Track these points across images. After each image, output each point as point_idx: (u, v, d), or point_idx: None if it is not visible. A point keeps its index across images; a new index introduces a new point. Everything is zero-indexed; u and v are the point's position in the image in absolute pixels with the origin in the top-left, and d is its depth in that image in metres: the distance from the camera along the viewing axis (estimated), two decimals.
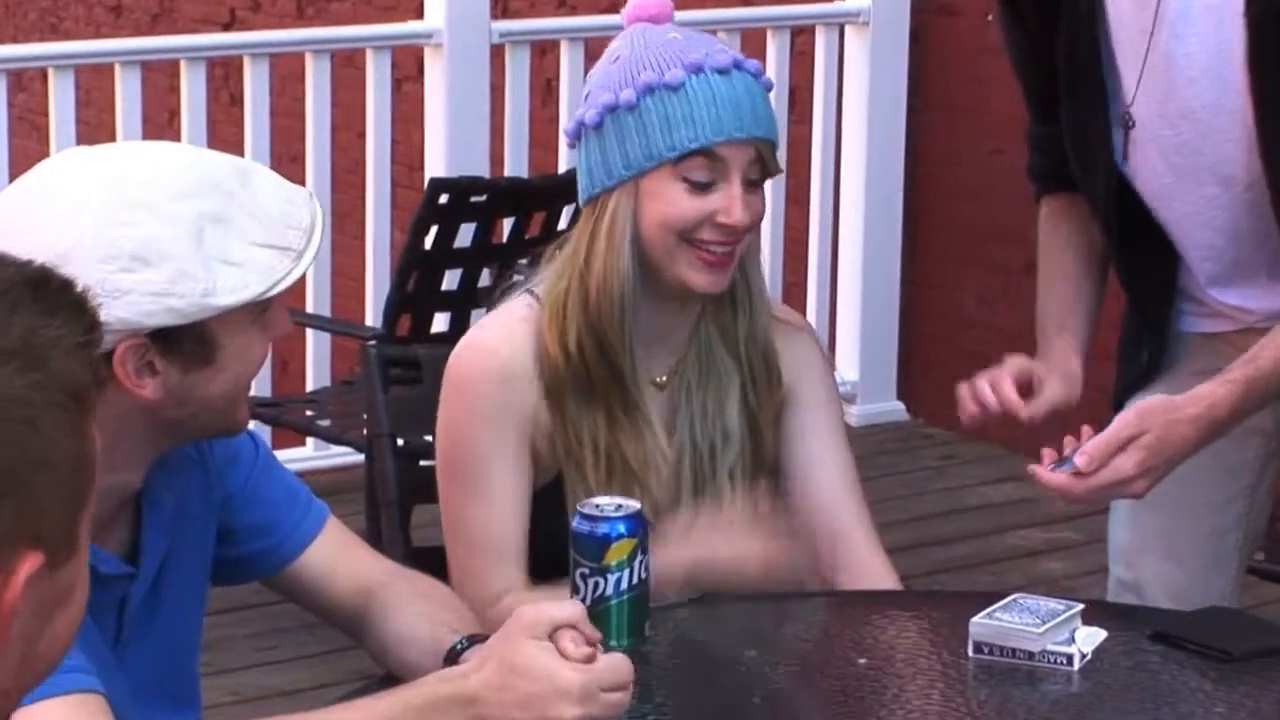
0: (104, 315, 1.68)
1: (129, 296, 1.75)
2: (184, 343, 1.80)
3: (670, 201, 2.20)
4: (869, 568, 2.31)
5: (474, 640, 1.93)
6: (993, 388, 2.29)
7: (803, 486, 2.33)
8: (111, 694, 1.75)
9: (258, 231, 1.81)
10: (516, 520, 2.22)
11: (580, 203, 2.26)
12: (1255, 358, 2.22)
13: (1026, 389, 2.32)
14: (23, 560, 1.16)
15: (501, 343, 2.24)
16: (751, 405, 2.29)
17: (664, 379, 2.28)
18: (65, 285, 1.23)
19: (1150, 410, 2.18)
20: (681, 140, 2.19)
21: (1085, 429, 2.19)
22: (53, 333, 1.18)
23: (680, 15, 5.83)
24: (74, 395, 1.18)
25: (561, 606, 1.83)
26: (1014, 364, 2.32)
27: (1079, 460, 2.15)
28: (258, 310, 1.83)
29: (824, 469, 2.33)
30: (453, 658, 1.92)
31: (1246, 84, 2.25)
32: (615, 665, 1.79)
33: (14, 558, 1.16)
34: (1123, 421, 2.17)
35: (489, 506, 2.21)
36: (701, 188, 2.19)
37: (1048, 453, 2.18)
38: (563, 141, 4.99)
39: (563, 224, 4.18)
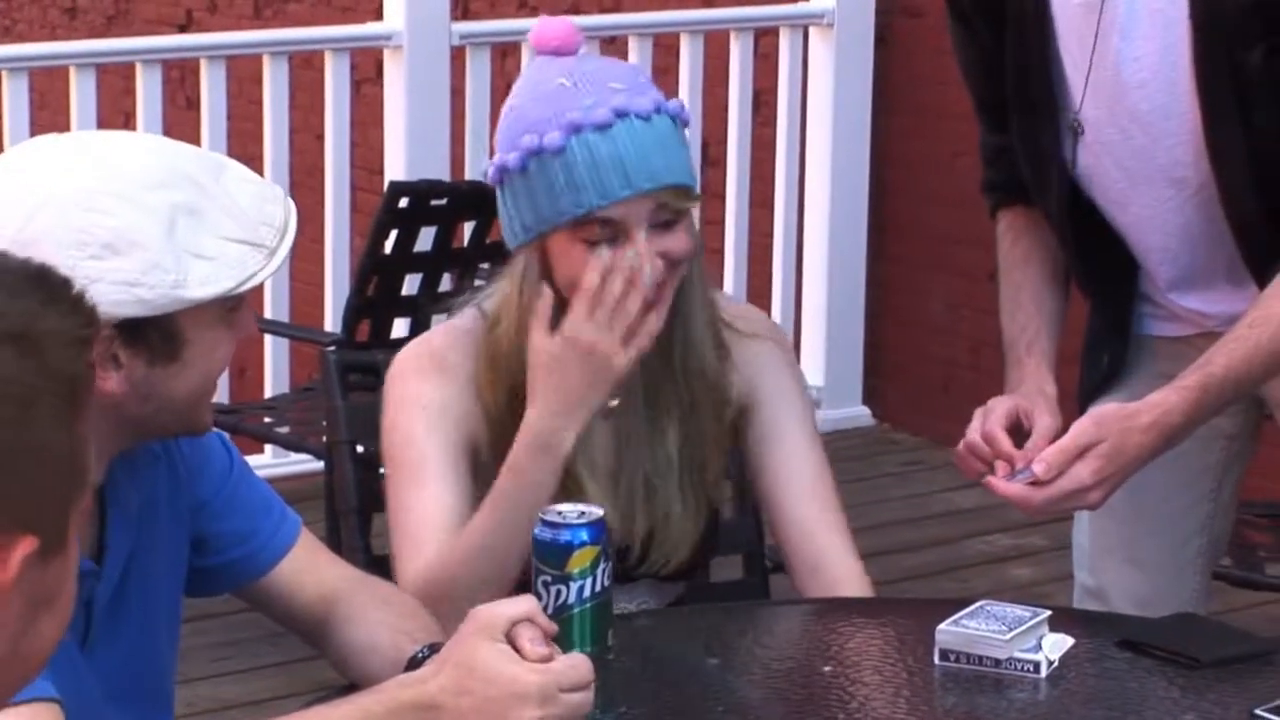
0: None
1: (98, 285, 1.74)
2: (150, 336, 1.78)
3: (575, 263, 2.14)
4: (839, 574, 2.27)
5: (435, 649, 1.91)
6: (989, 442, 2.24)
7: (771, 494, 2.31)
8: (82, 694, 1.75)
9: (231, 226, 1.80)
10: (452, 511, 2.18)
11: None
12: (1208, 363, 2.22)
13: (1016, 428, 2.28)
14: (18, 543, 1.17)
15: (445, 348, 2.22)
16: (690, 430, 2.25)
17: (615, 404, 2.24)
18: (65, 282, 1.24)
19: (1106, 418, 2.18)
20: (567, 207, 2.12)
21: (1039, 441, 2.17)
22: (51, 324, 1.20)
23: (643, 17, 5.76)
24: (69, 387, 1.20)
25: (515, 602, 1.82)
26: (1001, 410, 2.26)
27: (1037, 468, 2.14)
28: (226, 307, 1.82)
29: (790, 476, 2.30)
30: (413, 667, 1.90)
31: (1193, 86, 2.24)
32: (574, 665, 1.77)
33: (9, 539, 1.17)
34: (1079, 429, 2.16)
35: (425, 494, 2.19)
36: (605, 244, 2.12)
37: (1001, 465, 2.17)
38: None
39: None
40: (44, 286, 1.22)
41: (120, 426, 1.82)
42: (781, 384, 2.32)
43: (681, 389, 2.25)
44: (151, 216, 1.76)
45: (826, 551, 2.27)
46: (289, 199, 1.87)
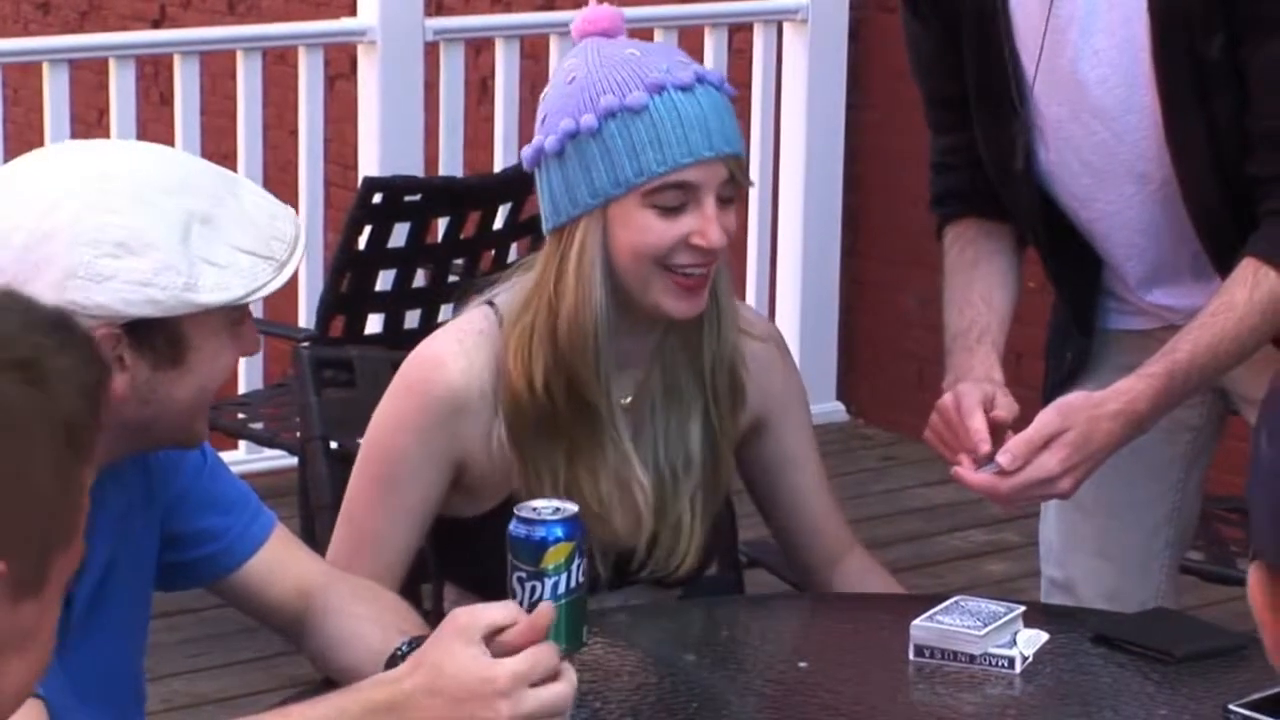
0: (84, 300, 1.74)
1: (111, 283, 1.76)
2: (156, 339, 1.80)
3: (642, 229, 2.13)
4: (856, 561, 2.35)
5: (416, 643, 1.91)
6: (957, 423, 2.24)
7: (790, 512, 2.34)
8: (52, 695, 1.73)
9: (242, 237, 1.82)
10: (411, 538, 2.22)
11: (545, 230, 2.19)
12: (1173, 351, 2.22)
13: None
14: None
15: (457, 364, 2.19)
16: (714, 427, 2.24)
17: (629, 400, 2.23)
18: (86, 334, 1.24)
19: (1071, 407, 2.18)
20: (649, 165, 2.12)
21: (1008, 432, 2.17)
22: (62, 364, 1.19)
23: None
24: (69, 430, 1.18)
25: (496, 607, 1.82)
26: (976, 394, 2.25)
27: (1002, 459, 2.14)
28: (232, 318, 1.84)
29: (809, 497, 2.34)
30: (395, 661, 1.91)
31: (1153, 79, 2.25)
32: (539, 659, 1.77)
33: None
34: (1044, 419, 2.16)
35: (391, 516, 2.20)
36: (673, 211, 2.13)
37: (965, 455, 2.17)
38: (498, 140, 4.96)
39: (498, 224, 4.15)
40: (62, 329, 1.21)
41: (117, 431, 1.82)
42: (789, 397, 2.33)
43: (707, 384, 2.23)
44: (166, 220, 1.79)
45: (852, 565, 2.35)
46: (298, 219, 1.90)
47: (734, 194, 2.17)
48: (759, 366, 2.30)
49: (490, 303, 2.23)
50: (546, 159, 2.16)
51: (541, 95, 2.22)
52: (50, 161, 1.86)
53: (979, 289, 2.41)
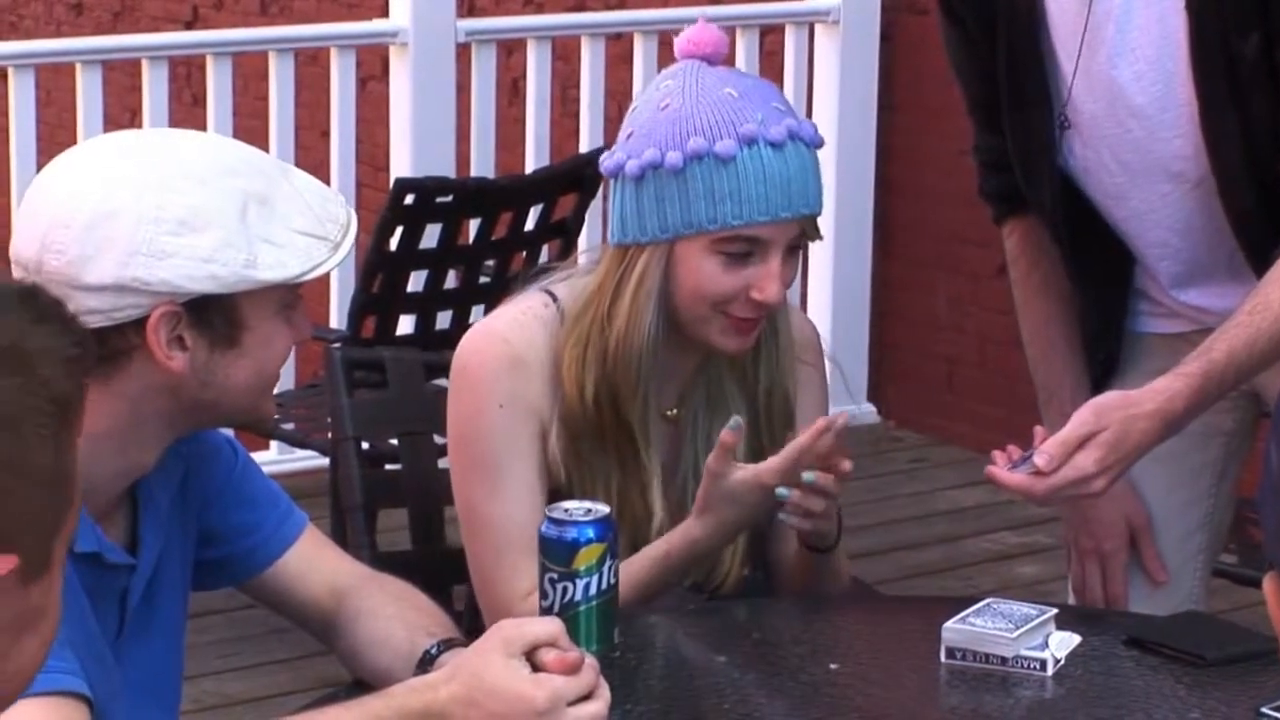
0: (147, 276, 1.78)
1: (174, 259, 1.80)
2: (214, 319, 1.83)
3: (704, 274, 2.15)
4: None
5: (448, 645, 1.92)
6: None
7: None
8: (108, 691, 1.77)
9: (297, 219, 1.85)
10: (540, 513, 2.16)
11: (609, 242, 2.20)
12: (1209, 350, 2.21)
13: None
14: None
15: (514, 333, 2.19)
16: (763, 447, 2.23)
17: (674, 411, 2.25)
18: (56, 301, 1.24)
19: (1107, 407, 2.17)
20: (725, 216, 2.13)
21: (1039, 430, 2.17)
22: (41, 341, 1.19)
23: (648, 14, 5.74)
24: (59, 405, 1.19)
25: (541, 622, 1.83)
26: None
27: (1039, 460, 2.13)
28: (286, 300, 1.87)
29: None
30: (426, 663, 1.92)
31: (1190, 77, 2.24)
32: (578, 677, 1.78)
33: None
34: (1080, 419, 2.16)
35: (509, 499, 2.17)
36: (738, 259, 2.14)
37: (999, 454, 2.17)
38: (530, 142, 4.97)
39: (530, 225, 4.16)
40: (34, 305, 1.21)
41: (179, 412, 1.86)
42: (815, 403, 2.32)
43: (760, 408, 2.24)
44: (225, 199, 1.83)
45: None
46: (349, 204, 1.93)
47: (800, 245, 2.18)
48: (800, 392, 2.30)
49: (549, 291, 2.23)
50: (624, 177, 2.17)
51: (631, 107, 2.23)
52: (108, 146, 1.89)
53: (1059, 326, 2.45)
